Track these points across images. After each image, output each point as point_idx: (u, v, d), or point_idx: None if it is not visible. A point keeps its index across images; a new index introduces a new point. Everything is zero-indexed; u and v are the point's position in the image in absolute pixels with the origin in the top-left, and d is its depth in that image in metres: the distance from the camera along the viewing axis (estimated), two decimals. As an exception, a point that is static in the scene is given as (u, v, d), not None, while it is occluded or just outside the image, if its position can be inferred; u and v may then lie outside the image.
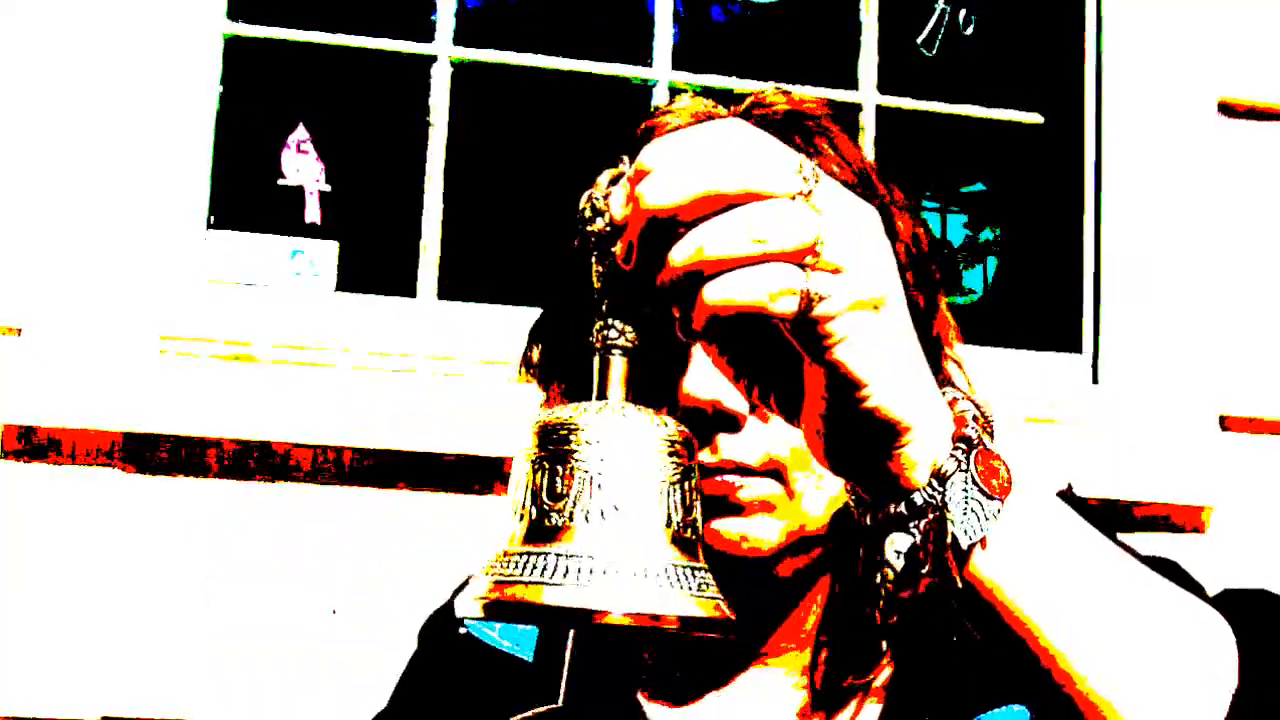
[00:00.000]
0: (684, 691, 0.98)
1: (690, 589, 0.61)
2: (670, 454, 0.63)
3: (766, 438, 0.89)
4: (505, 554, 0.62)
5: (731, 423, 0.88)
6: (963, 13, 2.44)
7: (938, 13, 2.43)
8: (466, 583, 1.10)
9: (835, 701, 0.95)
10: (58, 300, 1.90)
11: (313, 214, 2.17)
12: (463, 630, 1.03)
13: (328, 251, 2.16)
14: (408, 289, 2.13)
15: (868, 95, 2.35)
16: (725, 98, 1.01)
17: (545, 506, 0.62)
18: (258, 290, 2.09)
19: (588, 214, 0.63)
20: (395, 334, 2.06)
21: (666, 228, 0.59)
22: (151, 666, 1.86)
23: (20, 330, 1.88)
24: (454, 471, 1.93)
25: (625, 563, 0.60)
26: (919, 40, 2.42)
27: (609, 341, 0.64)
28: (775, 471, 0.89)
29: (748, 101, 0.99)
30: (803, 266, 0.59)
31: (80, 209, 1.92)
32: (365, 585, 1.92)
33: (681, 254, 0.58)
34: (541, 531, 0.61)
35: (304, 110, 2.20)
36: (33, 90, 1.93)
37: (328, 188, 2.19)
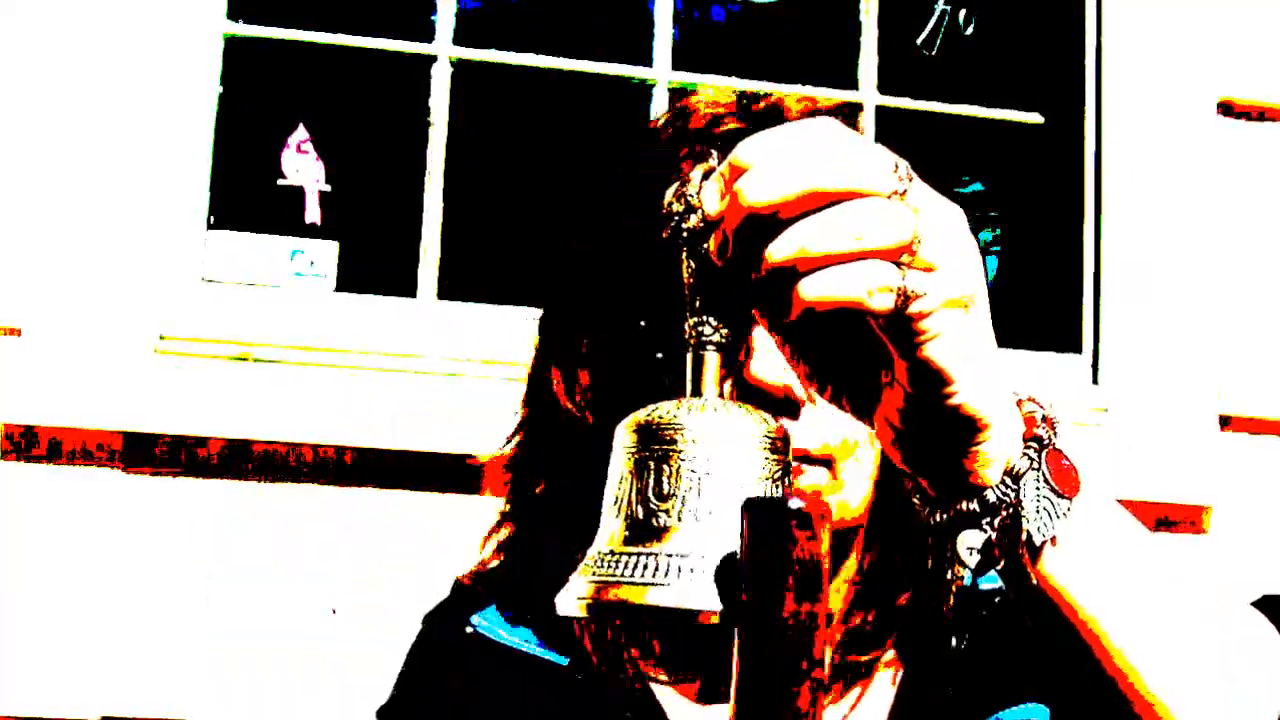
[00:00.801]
0: (694, 676, 0.98)
1: None
2: (771, 450, 0.62)
3: (823, 426, 0.89)
4: (609, 553, 0.62)
5: (794, 409, 0.88)
6: (963, 13, 2.44)
7: (938, 13, 2.43)
8: (464, 579, 1.10)
9: (845, 686, 0.95)
10: (57, 300, 1.90)
11: (313, 214, 2.17)
12: (470, 629, 1.03)
13: (328, 251, 2.16)
14: (408, 289, 2.13)
15: (868, 95, 2.35)
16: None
17: (652, 506, 0.61)
18: (257, 290, 2.09)
19: (677, 209, 0.63)
20: (395, 334, 2.06)
21: (762, 223, 0.59)
22: (151, 666, 1.86)
23: (20, 330, 1.88)
24: (454, 471, 1.93)
25: (729, 560, 0.59)
26: (919, 40, 2.42)
27: (704, 338, 0.63)
28: (827, 461, 0.90)
29: (764, 103, 0.99)
30: (898, 264, 0.59)
31: (80, 209, 1.92)
32: (365, 585, 1.92)
33: (781, 250, 0.58)
34: (648, 530, 0.61)
35: (304, 110, 2.20)
36: (33, 90, 1.93)
37: (328, 188, 2.19)
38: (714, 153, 0.64)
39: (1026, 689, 0.91)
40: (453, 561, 1.13)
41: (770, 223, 0.59)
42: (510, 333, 2.05)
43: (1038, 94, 2.42)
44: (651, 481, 0.61)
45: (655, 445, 0.62)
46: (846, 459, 0.90)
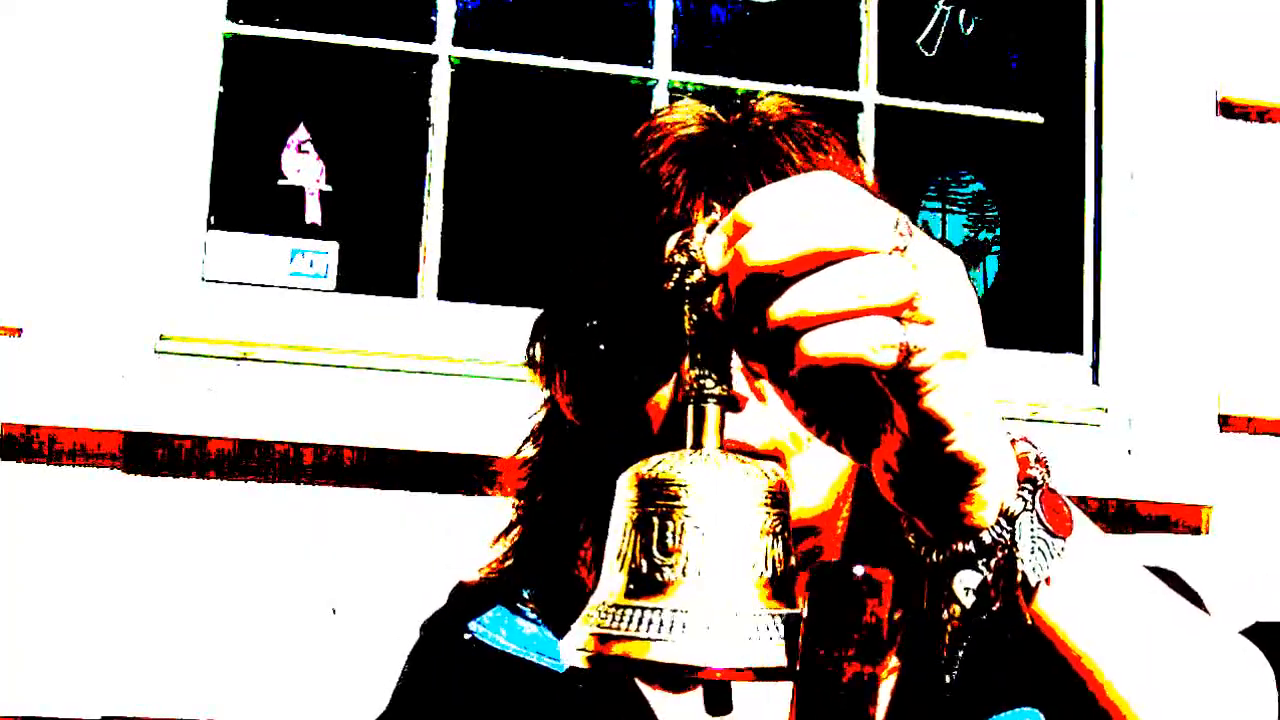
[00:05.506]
0: (682, 680, 0.98)
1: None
2: (772, 504, 0.63)
3: (768, 420, 0.89)
4: (613, 606, 0.62)
5: (733, 404, 0.88)
6: (963, 13, 2.44)
7: (938, 13, 2.43)
8: (462, 586, 1.10)
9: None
10: (58, 300, 1.90)
11: (313, 214, 2.17)
12: (467, 635, 1.03)
13: (328, 252, 2.16)
14: (408, 289, 2.13)
15: (868, 95, 2.35)
16: (723, 96, 1.01)
17: (656, 560, 0.62)
18: (257, 290, 2.09)
19: (680, 260, 0.63)
20: (395, 334, 2.06)
21: (765, 281, 0.60)
22: (151, 666, 1.86)
23: (20, 330, 1.89)
24: (454, 471, 1.93)
25: (731, 616, 0.60)
26: (919, 40, 2.42)
27: (705, 390, 0.64)
28: (775, 456, 0.90)
29: (750, 105, 0.99)
30: (899, 319, 0.60)
31: (80, 209, 1.92)
32: (365, 585, 1.92)
33: (785, 308, 0.59)
34: (651, 585, 0.61)
35: (304, 110, 2.20)
36: (33, 90, 1.93)
37: (328, 188, 2.19)
38: (717, 206, 0.64)
39: (1021, 693, 0.91)
40: (453, 562, 1.13)
41: (773, 280, 0.59)
42: (510, 333, 2.05)
43: (1038, 94, 2.42)
44: (655, 536, 0.62)
45: (659, 500, 0.63)
46: (799, 452, 0.90)
